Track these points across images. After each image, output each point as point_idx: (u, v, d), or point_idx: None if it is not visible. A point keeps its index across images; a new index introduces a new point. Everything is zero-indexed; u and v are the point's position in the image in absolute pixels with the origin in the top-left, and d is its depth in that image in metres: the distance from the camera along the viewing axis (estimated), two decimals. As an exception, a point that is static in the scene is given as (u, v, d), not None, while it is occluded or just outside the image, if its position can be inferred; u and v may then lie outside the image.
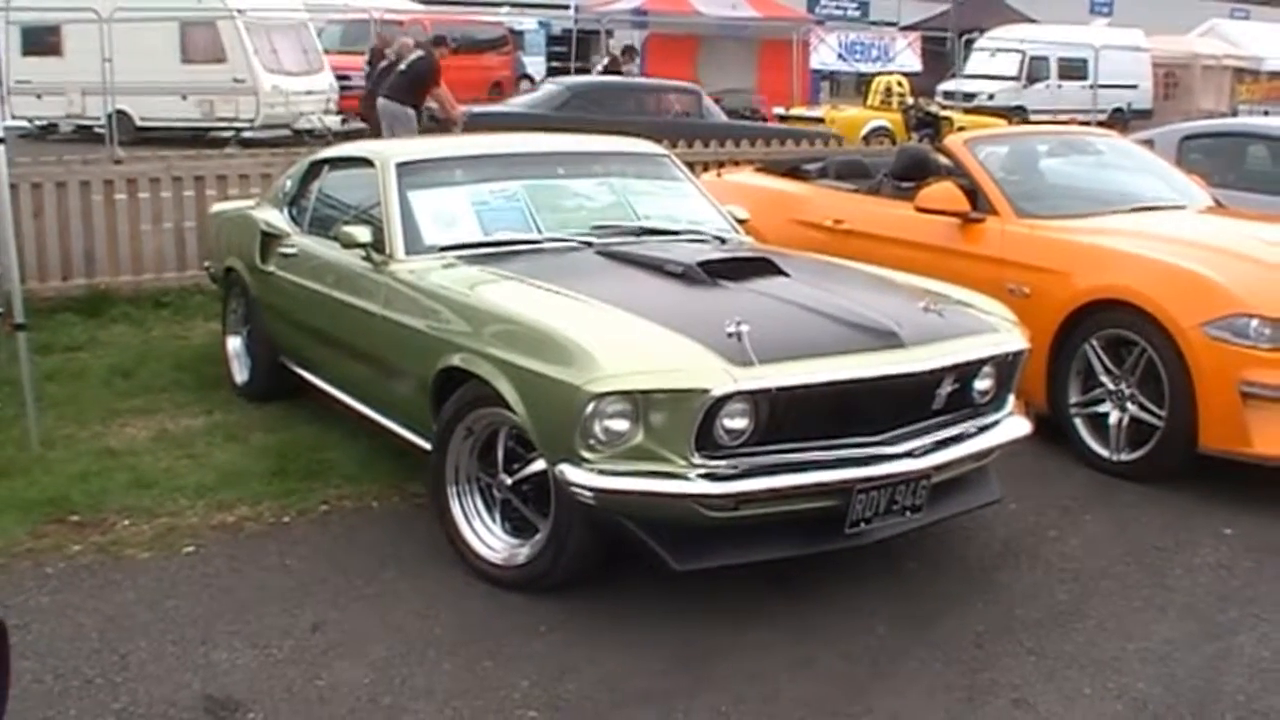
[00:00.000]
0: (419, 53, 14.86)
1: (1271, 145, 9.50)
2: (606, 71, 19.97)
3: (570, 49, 28.88)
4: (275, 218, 6.61)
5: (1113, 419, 5.97)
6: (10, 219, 6.27)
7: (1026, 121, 23.25)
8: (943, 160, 7.61)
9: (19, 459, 5.82)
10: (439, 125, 14.82)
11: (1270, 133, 9.77)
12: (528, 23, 34.98)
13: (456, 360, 4.67)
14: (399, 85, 14.46)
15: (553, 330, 4.34)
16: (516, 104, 17.65)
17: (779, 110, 22.86)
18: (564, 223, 5.68)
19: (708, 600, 4.49)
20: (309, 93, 21.16)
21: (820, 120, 21.35)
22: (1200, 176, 7.94)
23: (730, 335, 4.13)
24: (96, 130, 18.45)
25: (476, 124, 14.44)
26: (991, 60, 28.86)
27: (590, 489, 4.09)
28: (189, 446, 6.11)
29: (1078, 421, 6.13)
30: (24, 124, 21.14)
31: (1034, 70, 28.58)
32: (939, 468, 4.49)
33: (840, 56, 27.91)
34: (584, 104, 16.42)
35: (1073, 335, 6.09)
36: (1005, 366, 4.84)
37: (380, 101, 14.54)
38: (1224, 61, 32.47)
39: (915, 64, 28.02)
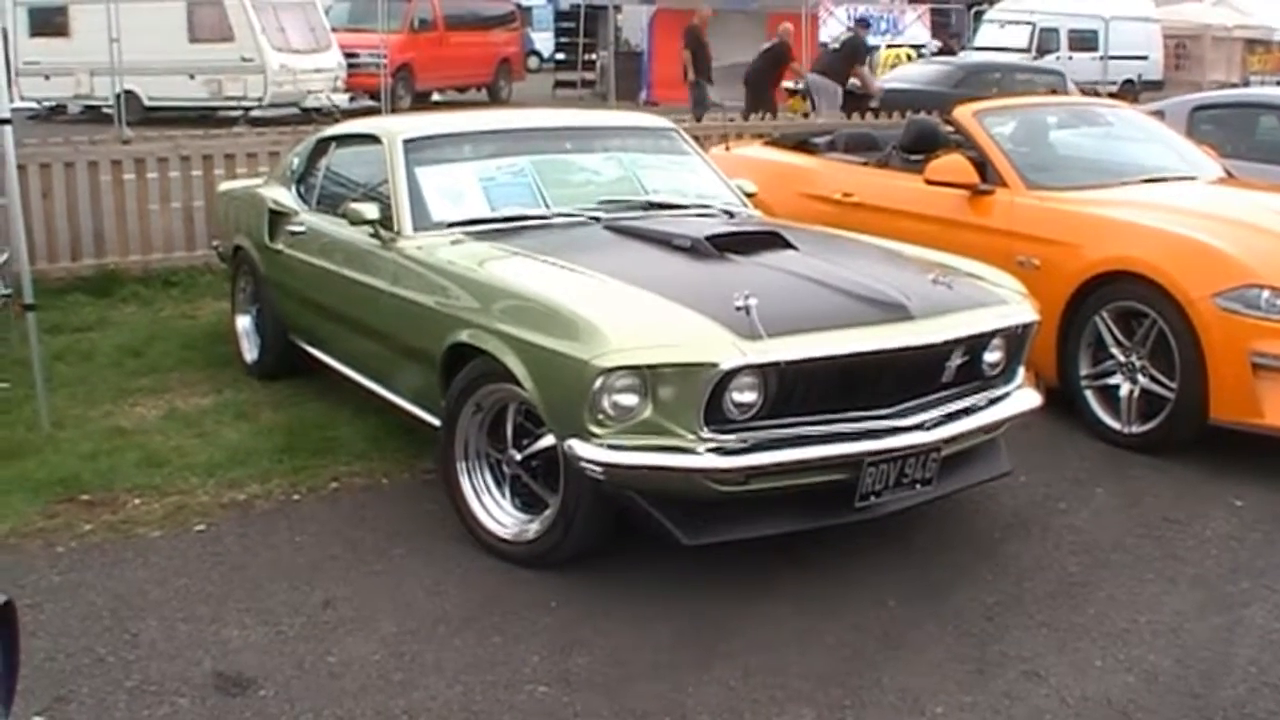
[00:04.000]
0: (850, 33, 16.83)
1: (1283, 116, 9.45)
2: (941, 51, 20.85)
3: (579, 25, 28.78)
4: (283, 196, 6.62)
5: (1123, 391, 5.95)
6: (19, 200, 6.27)
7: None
8: (952, 132, 7.58)
9: (30, 439, 5.83)
10: (858, 99, 15.96)
11: (1281, 103, 9.71)
12: (536, -2, 34.90)
13: (465, 336, 4.67)
14: (832, 62, 16.10)
15: (561, 305, 4.34)
16: (910, 80, 18.32)
17: (788, 85, 22.75)
18: (572, 198, 5.67)
19: (717, 574, 4.49)
20: (317, 71, 21.16)
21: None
22: (1211, 147, 7.90)
23: (738, 309, 4.12)
24: (104, 110, 18.44)
25: (891, 99, 15.54)
26: (1001, 32, 28.65)
27: (599, 464, 4.09)
28: (199, 425, 6.12)
29: (1088, 394, 6.11)
30: (32, 105, 21.17)
31: (1044, 42, 28.37)
32: (949, 440, 4.48)
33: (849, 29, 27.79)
34: (975, 82, 17.31)
35: (1083, 307, 6.07)
36: (1015, 339, 4.82)
37: (811, 77, 16.08)
38: (1235, 32, 32.22)
39: (925, 36, 27.90)
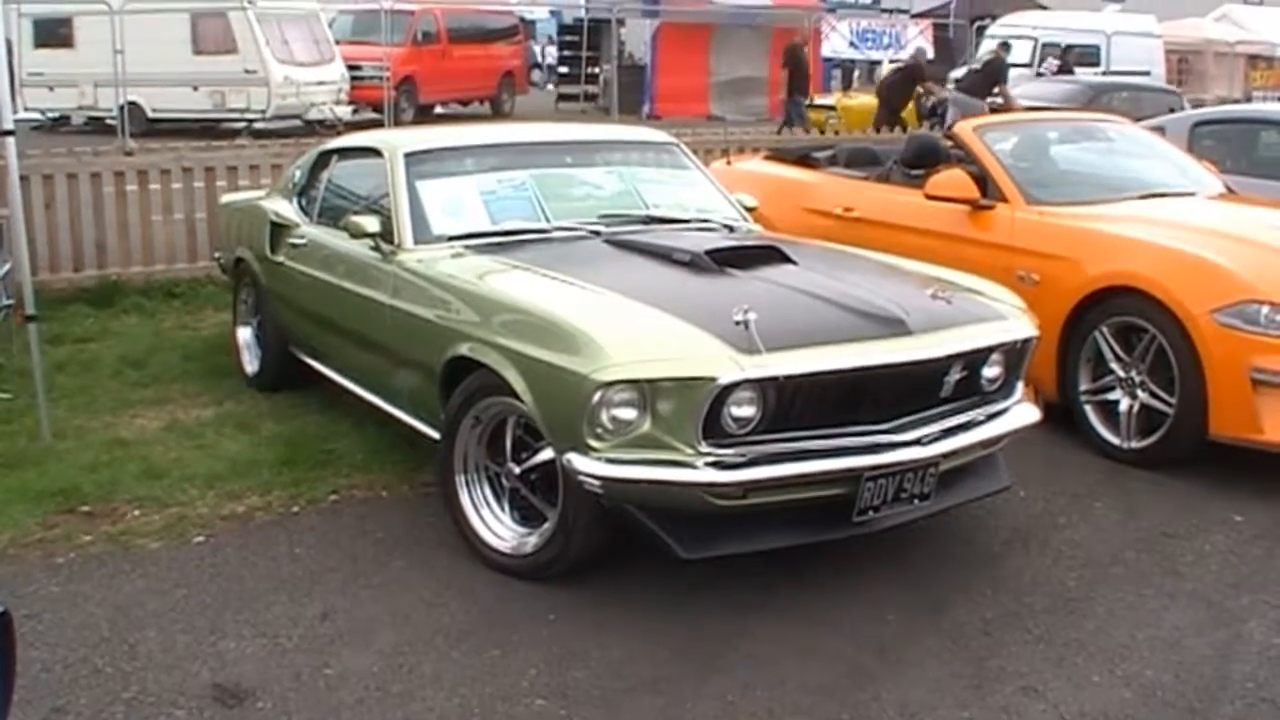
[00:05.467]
0: (992, 54, 18.59)
1: (1284, 132, 9.47)
2: (1060, 71, 22.43)
3: (582, 38, 28.84)
4: (285, 208, 6.63)
5: (1123, 406, 5.95)
6: (22, 211, 6.29)
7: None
8: (952, 147, 7.59)
9: (30, 450, 5.84)
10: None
11: (1282, 119, 9.73)
12: (539, 11, 34.96)
13: (464, 349, 4.68)
14: (975, 81, 17.76)
15: (560, 319, 4.34)
16: (1044, 98, 18.58)
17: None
18: (572, 212, 5.68)
19: (715, 588, 4.49)
20: (320, 83, 21.21)
21: (832, 108, 21.33)
22: (1211, 163, 7.91)
23: (737, 323, 4.12)
24: (108, 122, 18.50)
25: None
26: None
27: (598, 478, 4.10)
28: (199, 437, 6.13)
29: (1088, 409, 6.12)
30: (36, 116, 21.22)
31: (1046, 57, 28.42)
32: (947, 455, 4.48)
33: (852, 44, 27.87)
34: (1104, 101, 17.70)
35: (1083, 322, 6.07)
36: (1014, 354, 4.83)
37: (955, 95, 17.27)
38: (1237, 48, 32.25)
39: (928, 52, 27.91)
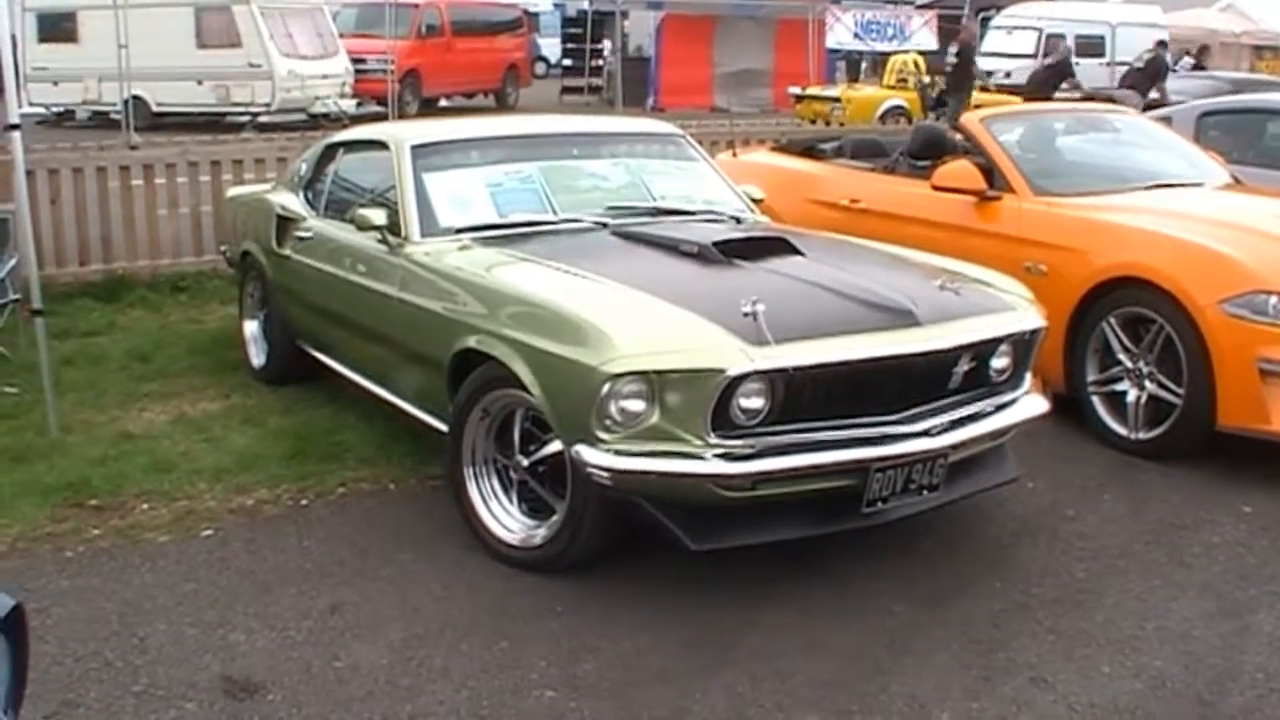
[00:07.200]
0: (1152, 53, 19.19)
1: (1291, 121, 9.43)
2: (1195, 67, 22.62)
3: (586, 30, 28.82)
4: (291, 201, 6.62)
5: (1131, 397, 5.94)
6: (27, 205, 6.29)
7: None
8: (959, 139, 7.57)
9: (38, 444, 5.85)
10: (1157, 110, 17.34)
11: (1289, 109, 9.70)
12: (543, 4, 34.93)
13: (472, 342, 4.68)
14: (1138, 79, 18.37)
15: (568, 311, 4.34)
16: (1189, 94, 18.60)
17: (795, 90, 22.79)
18: (579, 204, 5.67)
19: (724, 580, 4.49)
20: (325, 76, 21.20)
21: (836, 100, 21.31)
22: (1218, 153, 7.89)
23: (746, 315, 4.12)
24: (113, 116, 18.45)
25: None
26: (1008, 38, 28.63)
27: (606, 470, 4.09)
28: (207, 430, 6.13)
29: (1095, 400, 6.11)
30: (40, 111, 21.20)
31: (1050, 48, 28.35)
32: (956, 446, 4.47)
33: (856, 36, 27.77)
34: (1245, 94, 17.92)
35: (1090, 313, 6.06)
36: (1022, 345, 4.82)
37: (1119, 91, 17.75)
38: (1242, 39, 32.19)
39: (932, 43, 27.86)
